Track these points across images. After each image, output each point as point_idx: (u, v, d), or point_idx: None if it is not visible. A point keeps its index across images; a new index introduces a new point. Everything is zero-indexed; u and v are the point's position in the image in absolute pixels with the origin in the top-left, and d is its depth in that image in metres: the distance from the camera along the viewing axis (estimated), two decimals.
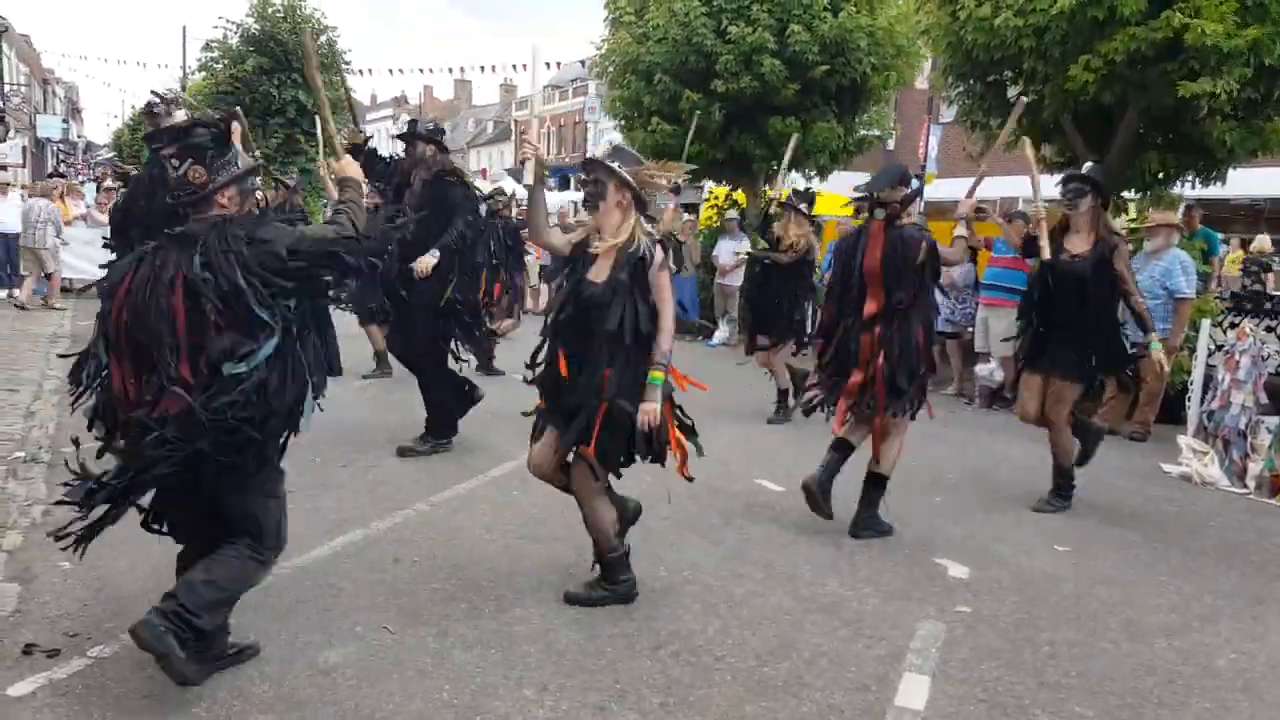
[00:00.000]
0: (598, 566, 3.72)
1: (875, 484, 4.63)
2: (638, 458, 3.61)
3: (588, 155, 3.63)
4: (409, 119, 6.42)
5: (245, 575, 2.96)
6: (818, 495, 4.53)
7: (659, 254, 3.51)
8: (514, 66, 72.12)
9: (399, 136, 6.02)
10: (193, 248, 2.76)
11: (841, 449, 4.62)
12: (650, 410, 3.43)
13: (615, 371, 3.47)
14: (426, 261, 5.45)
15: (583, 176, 3.63)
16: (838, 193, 17.80)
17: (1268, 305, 7.17)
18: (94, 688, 2.89)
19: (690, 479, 3.73)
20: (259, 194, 10.18)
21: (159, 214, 3.60)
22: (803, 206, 7.25)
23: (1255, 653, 3.55)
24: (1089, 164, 5.51)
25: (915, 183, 4.62)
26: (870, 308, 4.43)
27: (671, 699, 3.00)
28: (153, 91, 5.10)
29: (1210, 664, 3.44)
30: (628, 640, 3.38)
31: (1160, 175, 8.93)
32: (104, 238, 5.55)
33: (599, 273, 3.53)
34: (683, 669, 3.20)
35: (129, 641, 3.14)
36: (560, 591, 3.76)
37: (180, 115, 4.76)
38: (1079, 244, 5.10)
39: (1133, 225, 8.88)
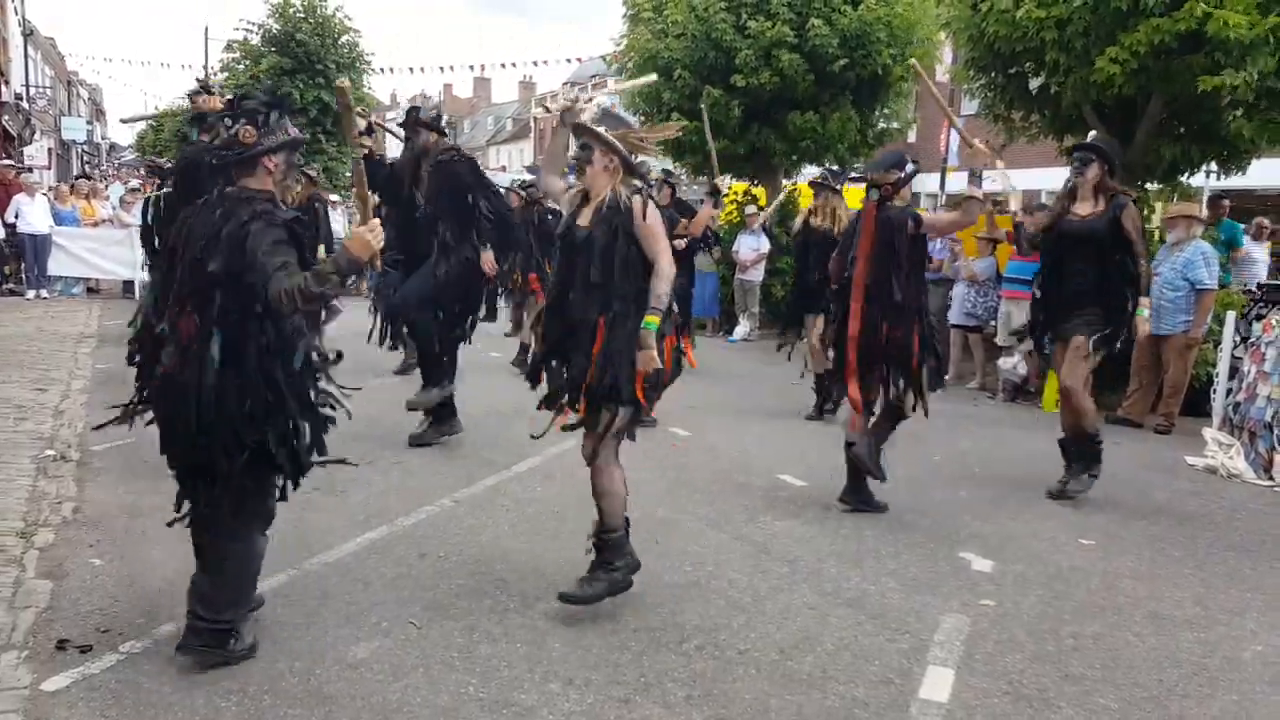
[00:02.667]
0: (593, 552, 3.60)
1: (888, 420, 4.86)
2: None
3: (576, 121, 3.62)
4: (409, 106, 6.39)
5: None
6: (867, 461, 4.73)
7: (638, 201, 3.49)
8: (533, 63, 72.22)
9: (400, 124, 6.00)
10: (214, 214, 2.86)
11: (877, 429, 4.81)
12: (647, 357, 3.39)
13: (608, 323, 3.45)
14: (489, 259, 5.62)
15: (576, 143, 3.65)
16: (859, 186, 17.81)
17: None
18: (126, 683, 2.95)
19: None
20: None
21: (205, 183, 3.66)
22: (836, 186, 7.27)
23: None
24: (1093, 133, 5.56)
25: (910, 167, 4.71)
26: (858, 287, 4.61)
27: (696, 692, 3.02)
28: (198, 80, 5.30)
29: (1236, 656, 3.41)
30: (653, 634, 3.41)
31: (1181, 166, 8.83)
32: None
33: (584, 221, 3.57)
34: (707, 662, 3.21)
35: (160, 636, 3.23)
36: None
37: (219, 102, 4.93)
38: (1086, 208, 5.14)
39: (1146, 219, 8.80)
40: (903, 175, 4.66)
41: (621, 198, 3.51)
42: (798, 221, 7.53)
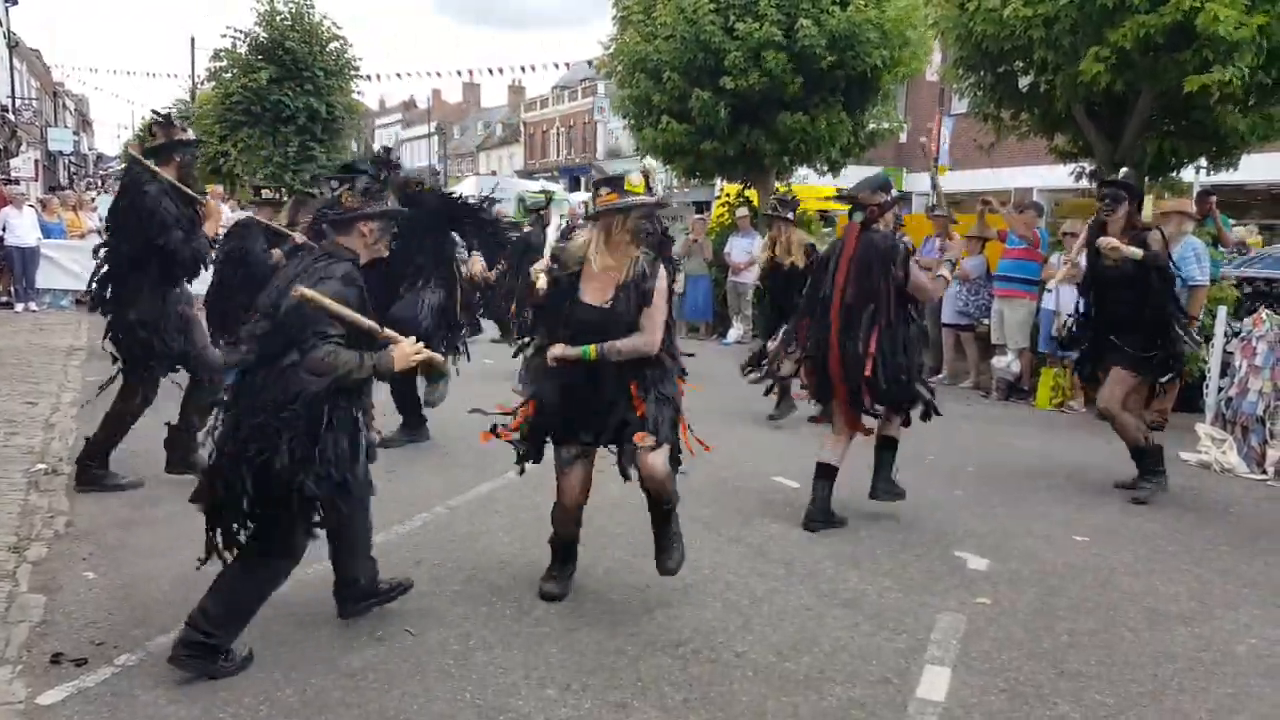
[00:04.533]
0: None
1: (887, 446, 4.80)
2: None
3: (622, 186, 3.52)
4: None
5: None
6: (820, 522, 4.60)
7: (663, 275, 3.54)
8: (522, 68, 72.22)
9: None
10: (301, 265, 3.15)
11: (826, 475, 4.64)
12: (557, 352, 3.47)
13: (642, 388, 3.53)
14: (478, 263, 5.96)
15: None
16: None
17: None
18: (122, 695, 2.93)
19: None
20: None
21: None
22: (789, 215, 7.01)
23: (1276, 639, 3.54)
24: (1125, 170, 5.75)
25: (895, 193, 4.67)
26: (834, 307, 4.52)
27: (693, 695, 3.01)
28: (156, 112, 5.38)
29: (1231, 650, 3.43)
30: (649, 639, 3.40)
31: (1172, 161, 8.88)
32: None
33: (597, 295, 3.50)
34: (704, 666, 3.21)
35: (155, 648, 3.21)
36: (580, 592, 3.78)
37: (189, 133, 5.18)
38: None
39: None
40: (888, 199, 4.58)
41: (645, 268, 3.50)
42: (762, 260, 7.38)
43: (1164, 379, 5.60)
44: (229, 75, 20.04)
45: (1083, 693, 3.09)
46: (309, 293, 2.94)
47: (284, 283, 3.09)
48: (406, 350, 3.12)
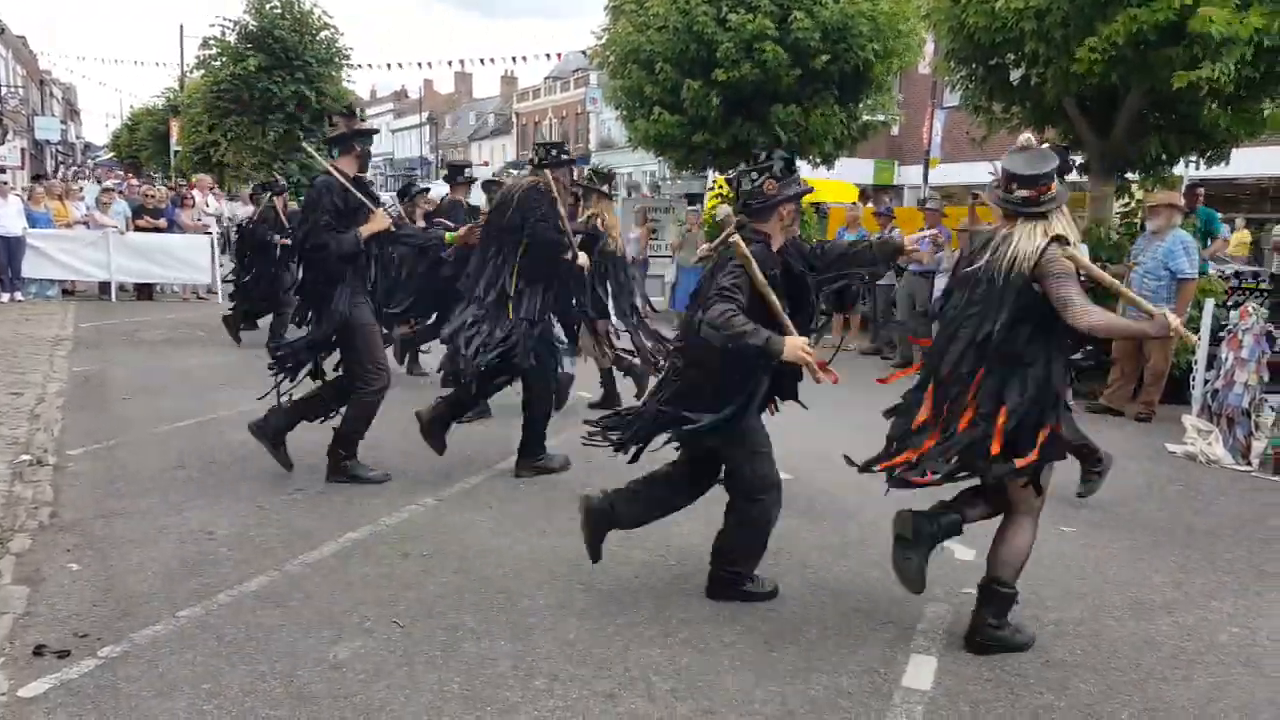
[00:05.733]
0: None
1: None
2: None
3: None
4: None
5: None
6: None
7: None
8: (513, 59, 71.97)
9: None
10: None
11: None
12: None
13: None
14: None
15: None
16: (844, 180, 17.83)
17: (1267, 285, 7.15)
18: (105, 688, 2.92)
19: None
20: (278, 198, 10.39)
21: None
22: (604, 188, 6.63)
23: (1258, 627, 3.57)
24: (1046, 145, 5.31)
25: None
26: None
27: (681, 685, 3.02)
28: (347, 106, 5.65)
29: (1213, 639, 3.45)
30: (637, 629, 3.40)
31: (1163, 156, 8.90)
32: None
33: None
34: (692, 655, 3.22)
35: (140, 640, 3.20)
36: (570, 582, 3.78)
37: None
38: None
39: (1125, 210, 8.86)
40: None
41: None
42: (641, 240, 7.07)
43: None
44: (218, 64, 19.89)
45: (1067, 681, 3.10)
46: (742, 245, 3.26)
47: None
48: (798, 344, 3.21)
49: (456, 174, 8.77)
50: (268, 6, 19.51)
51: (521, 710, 2.85)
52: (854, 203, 14.75)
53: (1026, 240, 3.12)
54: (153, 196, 15.09)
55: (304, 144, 5.56)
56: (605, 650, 3.23)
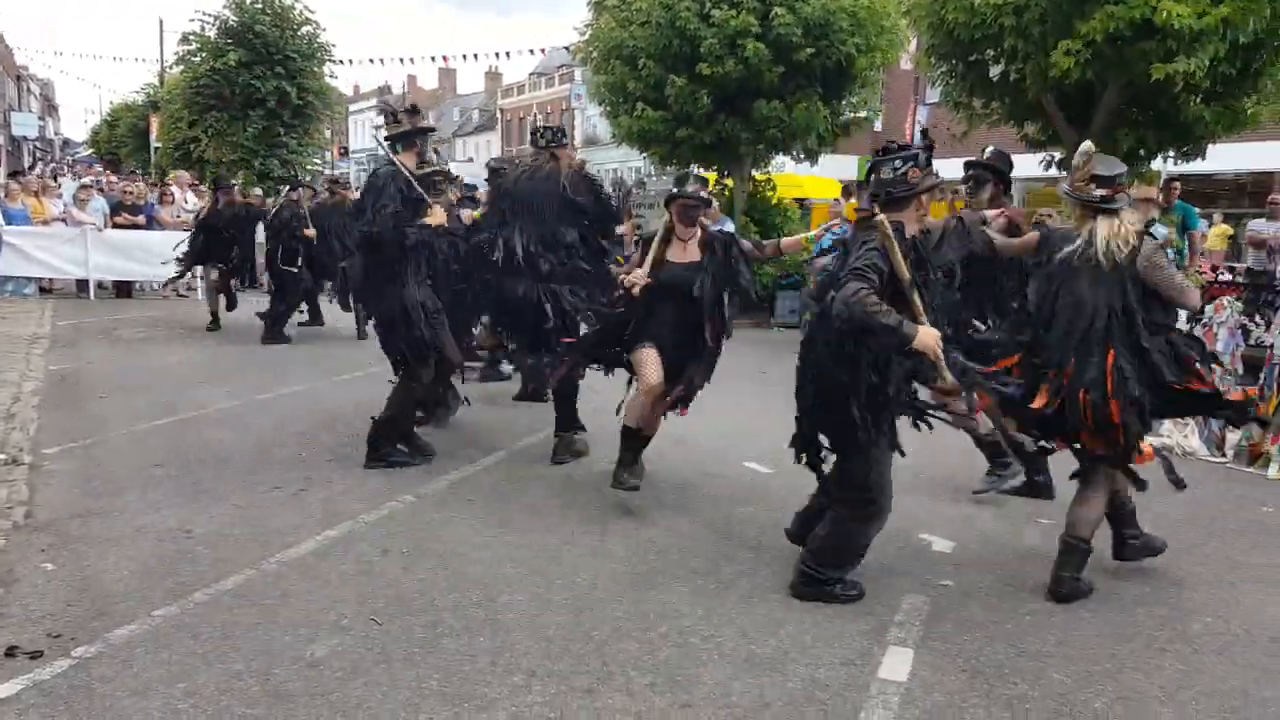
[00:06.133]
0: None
1: None
2: None
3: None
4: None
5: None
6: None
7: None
8: (497, 54, 71.62)
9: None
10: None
11: None
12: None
13: None
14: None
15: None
16: (827, 176, 17.86)
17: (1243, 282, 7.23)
18: (79, 688, 2.89)
19: None
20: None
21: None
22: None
23: (1229, 617, 3.61)
24: (990, 149, 5.11)
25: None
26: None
27: (659, 679, 3.03)
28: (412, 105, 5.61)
29: (1186, 629, 3.50)
30: (616, 624, 3.41)
31: (1140, 152, 8.98)
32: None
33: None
34: (671, 649, 3.22)
35: (115, 640, 3.17)
36: (549, 578, 3.78)
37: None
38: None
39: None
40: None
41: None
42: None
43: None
44: (198, 59, 19.68)
45: (1042, 672, 3.13)
46: (886, 225, 3.29)
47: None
48: (933, 335, 3.24)
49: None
50: (248, 1, 19.32)
51: (499, 706, 2.85)
52: (837, 198, 14.79)
53: (1114, 233, 3.59)
54: (131, 193, 14.94)
55: (377, 136, 5.65)
56: (584, 646, 3.24)
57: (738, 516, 4.61)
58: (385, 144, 5.18)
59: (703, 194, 4.66)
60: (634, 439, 4.70)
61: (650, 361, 4.58)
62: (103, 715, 2.76)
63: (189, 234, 10.64)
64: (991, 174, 4.95)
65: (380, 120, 5.50)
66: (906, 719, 2.84)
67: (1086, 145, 3.74)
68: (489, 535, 4.28)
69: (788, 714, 2.85)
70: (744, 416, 6.91)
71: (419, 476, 5.12)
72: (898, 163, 3.48)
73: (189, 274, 11.40)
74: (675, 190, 4.60)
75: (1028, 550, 4.26)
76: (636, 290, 4.57)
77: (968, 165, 5.07)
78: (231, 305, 10.71)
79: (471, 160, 46.87)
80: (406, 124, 5.17)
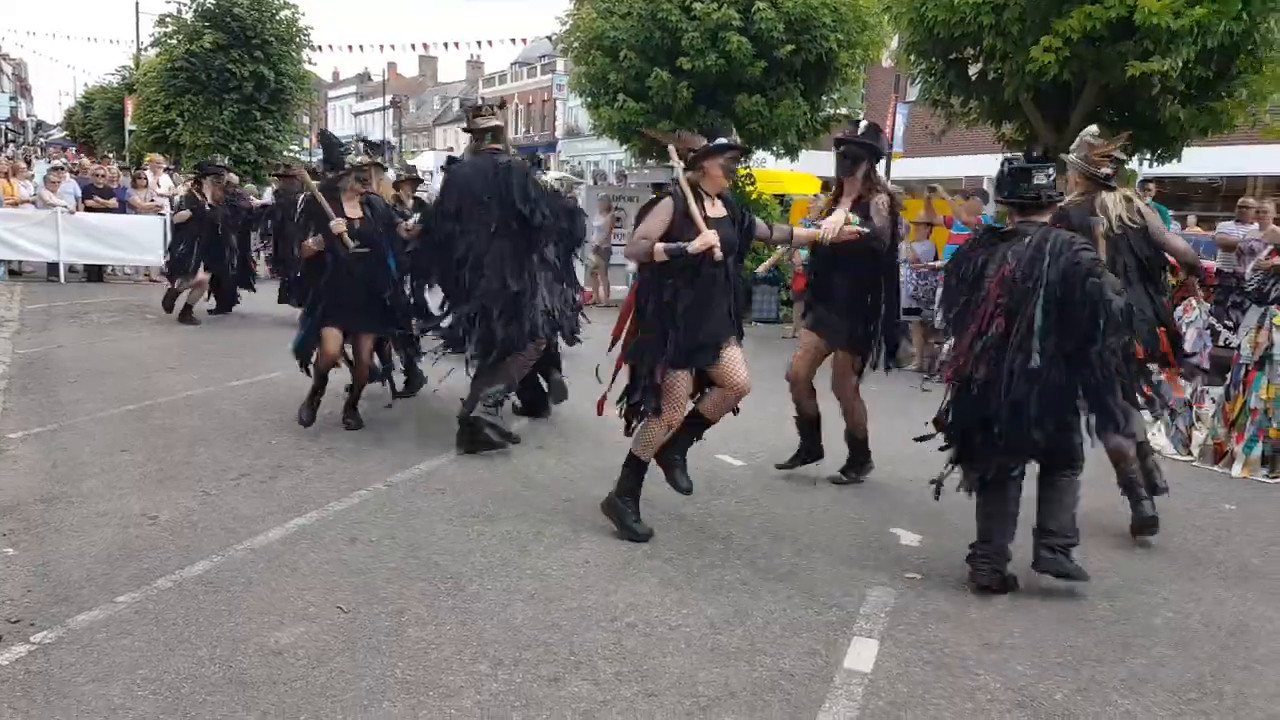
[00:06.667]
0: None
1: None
2: None
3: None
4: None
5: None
6: None
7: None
8: (478, 43, 71.07)
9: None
10: (1021, 244, 3.64)
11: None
12: None
13: None
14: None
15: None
16: (807, 172, 17.90)
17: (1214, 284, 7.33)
18: (37, 674, 2.85)
19: None
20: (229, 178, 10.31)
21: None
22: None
23: (1190, 611, 3.67)
24: (865, 122, 5.05)
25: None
26: None
27: (626, 669, 3.03)
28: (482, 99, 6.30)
29: (1147, 622, 3.55)
30: (584, 613, 3.41)
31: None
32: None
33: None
34: (638, 639, 3.23)
35: (76, 626, 3.14)
36: (518, 568, 3.78)
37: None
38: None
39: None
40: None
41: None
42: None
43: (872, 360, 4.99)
44: (174, 42, 19.40)
45: (1005, 664, 3.17)
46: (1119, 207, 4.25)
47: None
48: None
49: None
50: None
51: (464, 694, 2.84)
52: (816, 194, 14.84)
53: (1123, 205, 4.38)
54: (103, 176, 14.71)
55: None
56: (551, 635, 3.23)
57: (708, 508, 4.62)
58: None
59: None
60: (701, 430, 4.34)
61: (739, 360, 4.15)
62: (62, 701, 2.73)
63: (179, 231, 10.04)
64: (866, 151, 4.88)
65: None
66: (871, 709, 2.86)
67: (1094, 128, 4.42)
68: (458, 525, 4.26)
69: (753, 703, 2.86)
70: None
71: (390, 466, 5.08)
72: (1051, 170, 3.73)
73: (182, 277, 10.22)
74: (723, 140, 4.07)
75: None
76: (718, 253, 3.93)
77: (839, 142, 4.96)
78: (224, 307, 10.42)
79: (451, 149, 46.51)
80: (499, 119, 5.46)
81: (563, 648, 3.15)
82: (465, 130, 5.62)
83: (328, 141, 6.02)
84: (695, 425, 4.30)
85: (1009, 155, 3.87)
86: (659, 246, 3.91)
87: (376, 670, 2.96)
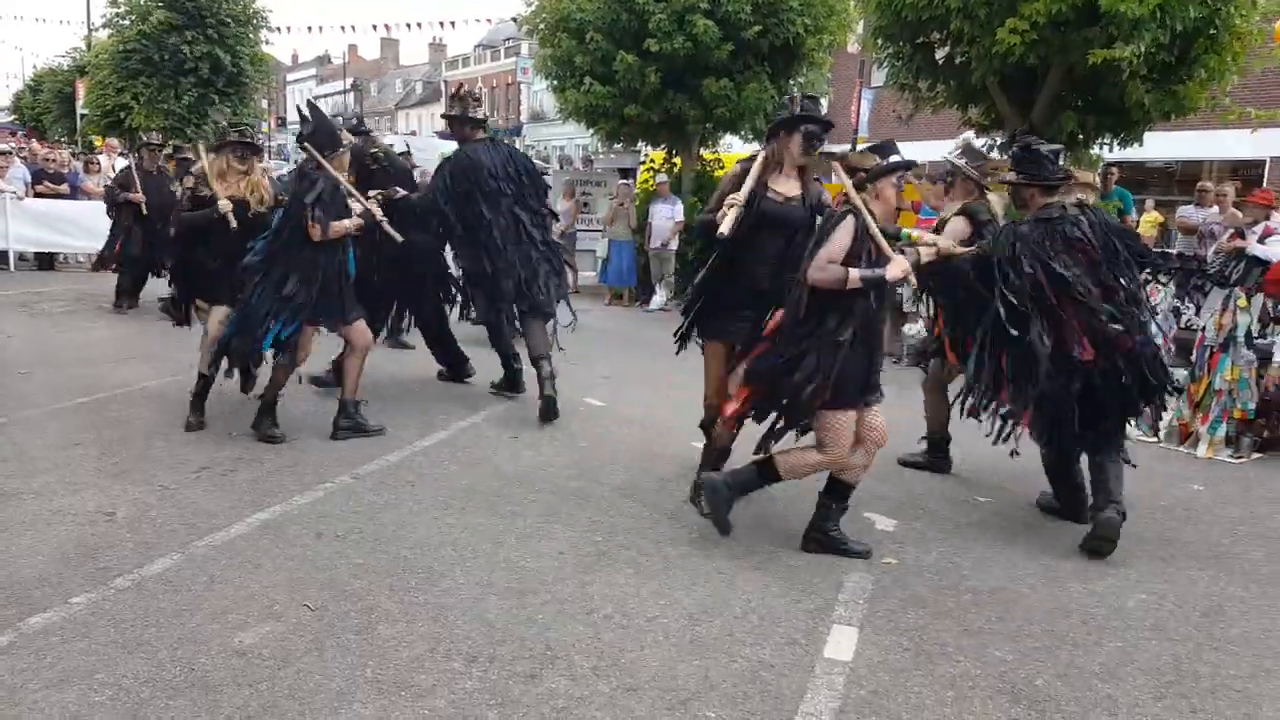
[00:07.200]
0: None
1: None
2: None
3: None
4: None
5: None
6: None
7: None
8: (442, 24, 70.03)
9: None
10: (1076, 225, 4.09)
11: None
12: None
13: None
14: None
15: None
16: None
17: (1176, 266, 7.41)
18: None
19: None
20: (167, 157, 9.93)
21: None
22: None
23: (1164, 593, 3.70)
24: (797, 93, 4.56)
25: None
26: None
27: (603, 663, 2.97)
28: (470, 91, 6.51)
29: (1122, 605, 3.57)
30: (560, 606, 3.34)
31: (1080, 136, 9.14)
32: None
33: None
34: (615, 632, 3.17)
35: (29, 629, 3.00)
36: (492, 561, 3.70)
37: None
38: (791, 187, 4.22)
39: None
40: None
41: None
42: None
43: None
44: (127, 23, 18.79)
45: (983, 649, 3.16)
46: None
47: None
48: (898, 266, 3.64)
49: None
50: None
51: (437, 693, 2.77)
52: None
53: (999, 205, 4.90)
54: (53, 161, 14.23)
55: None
56: (526, 630, 3.16)
57: (683, 497, 4.57)
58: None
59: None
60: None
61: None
62: (14, 710, 2.60)
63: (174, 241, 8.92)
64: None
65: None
66: (851, 698, 2.83)
67: (971, 133, 4.33)
68: (429, 518, 4.16)
69: (733, 696, 2.82)
70: (690, 397, 6.88)
71: (357, 457, 4.96)
72: (1059, 159, 4.07)
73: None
74: (897, 158, 3.76)
75: (967, 526, 4.31)
76: (913, 280, 3.73)
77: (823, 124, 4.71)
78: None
79: (415, 133, 45.87)
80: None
81: (538, 642, 3.08)
82: (446, 116, 6.10)
83: (320, 115, 5.39)
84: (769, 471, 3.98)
85: (1029, 139, 4.21)
86: (855, 274, 3.55)
87: (346, 670, 2.86)
